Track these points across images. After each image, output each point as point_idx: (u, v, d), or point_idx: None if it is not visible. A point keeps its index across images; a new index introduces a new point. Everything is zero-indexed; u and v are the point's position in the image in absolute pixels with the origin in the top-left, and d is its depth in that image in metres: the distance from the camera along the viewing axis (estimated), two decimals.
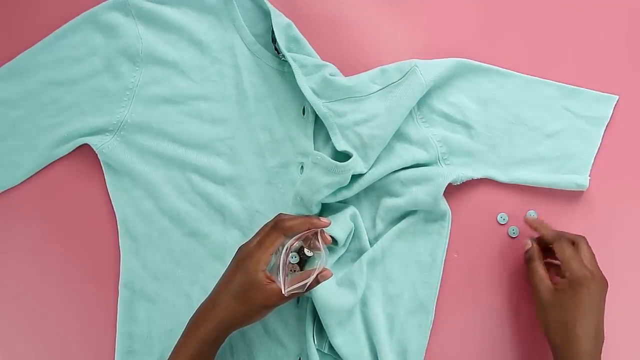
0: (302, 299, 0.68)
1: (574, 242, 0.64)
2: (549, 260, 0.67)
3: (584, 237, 0.65)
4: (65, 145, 0.71)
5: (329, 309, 0.64)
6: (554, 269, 0.67)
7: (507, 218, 0.71)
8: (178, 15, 0.72)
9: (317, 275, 0.59)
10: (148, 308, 0.69)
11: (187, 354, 0.58)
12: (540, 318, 0.64)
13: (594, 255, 0.64)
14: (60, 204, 0.72)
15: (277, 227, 0.61)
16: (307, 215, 0.65)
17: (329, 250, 0.65)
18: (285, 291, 0.58)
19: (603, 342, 0.60)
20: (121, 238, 0.70)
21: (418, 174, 0.69)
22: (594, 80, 0.72)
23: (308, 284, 0.59)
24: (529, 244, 0.67)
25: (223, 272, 0.62)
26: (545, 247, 0.67)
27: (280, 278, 0.58)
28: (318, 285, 0.61)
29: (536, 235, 0.68)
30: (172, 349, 0.60)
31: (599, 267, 0.63)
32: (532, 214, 0.71)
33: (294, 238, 0.60)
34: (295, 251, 0.62)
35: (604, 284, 0.61)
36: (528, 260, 0.66)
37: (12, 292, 0.71)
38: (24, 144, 0.71)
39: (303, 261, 0.63)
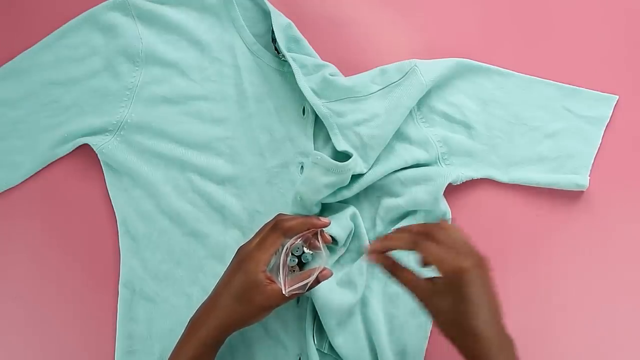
0: (302, 299, 0.68)
1: (430, 234, 0.55)
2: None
3: (437, 223, 0.57)
4: (65, 145, 0.71)
5: (329, 309, 0.64)
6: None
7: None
8: (178, 15, 0.72)
9: (317, 275, 0.59)
10: (148, 308, 0.69)
11: (187, 355, 0.58)
12: (436, 325, 0.55)
13: (459, 231, 0.56)
14: (60, 204, 0.72)
15: (277, 227, 0.61)
16: (306, 215, 0.65)
17: (329, 250, 0.65)
18: (285, 291, 0.58)
19: (502, 317, 0.54)
20: (121, 238, 0.70)
21: (418, 174, 0.69)
22: (594, 80, 0.72)
23: (309, 284, 0.59)
24: (374, 261, 0.58)
25: (223, 273, 0.62)
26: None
27: (281, 278, 0.58)
28: (318, 285, 0.61)
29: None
30: (172, 350, 0.60)
31: (469, 246, 0.55)
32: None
33: (294, 238, 0.60)
34: (295, 251, 0.62)
35: (481, 263, 0.54)
36: (390, 276, 0.58)
37: (12, 292, 0.71)
38: (24, 144, 0.71)
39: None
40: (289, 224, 0.60)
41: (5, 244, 0.72)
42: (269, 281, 0.59)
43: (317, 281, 0.60)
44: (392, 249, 0.58)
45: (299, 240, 0.59)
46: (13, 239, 0.72)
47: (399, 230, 0.61)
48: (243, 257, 0.60)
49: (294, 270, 0.62)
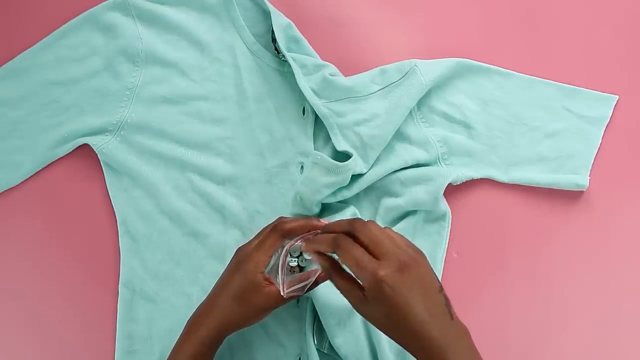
0: (302, 299, 0.68)
1: (353, 232, 0.51)
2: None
3: (358, 220, 0.52)
4: (65, 145, 0.71)
5: (329, 309, 0.64)
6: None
7: None
8: (178, 15, 0.72)
9: (316, 277, 0.59)
10: (148, 308, 0.69)
11: (187, 353, 0.58)
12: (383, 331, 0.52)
13: (382, 231, 0.51)
14: (60, 204, 0.72)
15: (277, 229, 0.60)
16: (307, 218, 0.65)
17: None
18: (284, 293, 0.58)
19: (449, 305, 0.51)
20: (121, 238, 0.70)
21: (418, 174, 0.69)
22: (594, 80, 0.72)
23: (307, 285, 0.59)
24: (318, 265, 0.57)
25: (221, 273, 0.62)
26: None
27: (279, 280, 0.58)
28: (318, 286, 0.61)
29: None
30: (171, 350, 0.60)
31: (393, 244, 0.50)
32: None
33: (294, 239, 0.60)
34: (294, 253, 0.62)
35: (402, 264, 0.49)
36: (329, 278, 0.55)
37: (12, 292, 0.71)
38: (24, 144, 0.71)
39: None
40: (289, 225, 0.60)
41: (5, 244, 0.72)
42: (267, 282, 0.58)
43: (316, 283, 0.59)
44: (318, 251, 0.54)
45: (298, 241, 0.59)
46: (13, 239, 0.72)
47: (328, 226, 0.56)
48: (242, 258, 0.60)
49: (293, 272, 0.62)
